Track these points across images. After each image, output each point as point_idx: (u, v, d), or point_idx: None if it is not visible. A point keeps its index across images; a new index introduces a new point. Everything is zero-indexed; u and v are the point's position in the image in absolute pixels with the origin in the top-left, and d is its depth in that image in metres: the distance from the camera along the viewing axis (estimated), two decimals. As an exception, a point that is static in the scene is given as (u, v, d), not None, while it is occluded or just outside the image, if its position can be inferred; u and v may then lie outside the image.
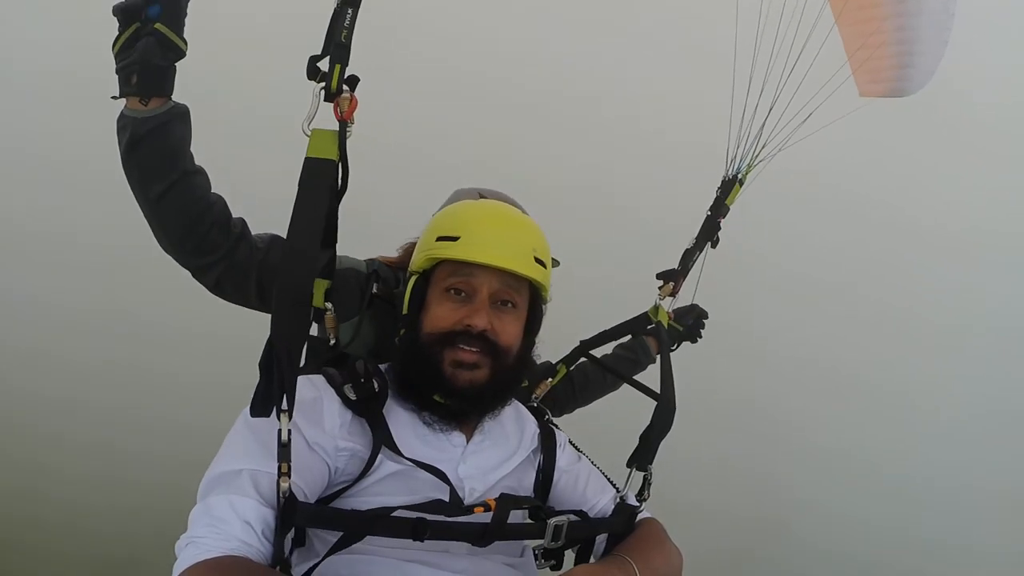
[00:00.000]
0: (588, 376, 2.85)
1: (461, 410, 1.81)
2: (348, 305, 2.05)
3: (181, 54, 1.77)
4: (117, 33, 1.72)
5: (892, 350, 6.10)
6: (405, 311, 1.86)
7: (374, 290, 2.11)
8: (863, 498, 6.18)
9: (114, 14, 1.72)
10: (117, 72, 1.74)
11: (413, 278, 1.87)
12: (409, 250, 2.31)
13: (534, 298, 1.91)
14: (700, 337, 3.08)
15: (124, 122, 1.75)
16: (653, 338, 2.92)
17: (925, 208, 5.97)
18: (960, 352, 6.19)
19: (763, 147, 2.31)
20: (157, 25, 1.70)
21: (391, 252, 2.37)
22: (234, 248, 1.94)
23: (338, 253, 2.22)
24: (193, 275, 1.99)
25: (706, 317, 3.06)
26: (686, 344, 3.02)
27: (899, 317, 6.12)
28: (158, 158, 1.77)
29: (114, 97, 1.75)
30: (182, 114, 1.81)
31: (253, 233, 2.02)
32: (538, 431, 2.08)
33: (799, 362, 6.05)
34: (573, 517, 1.81)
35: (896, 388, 6.16)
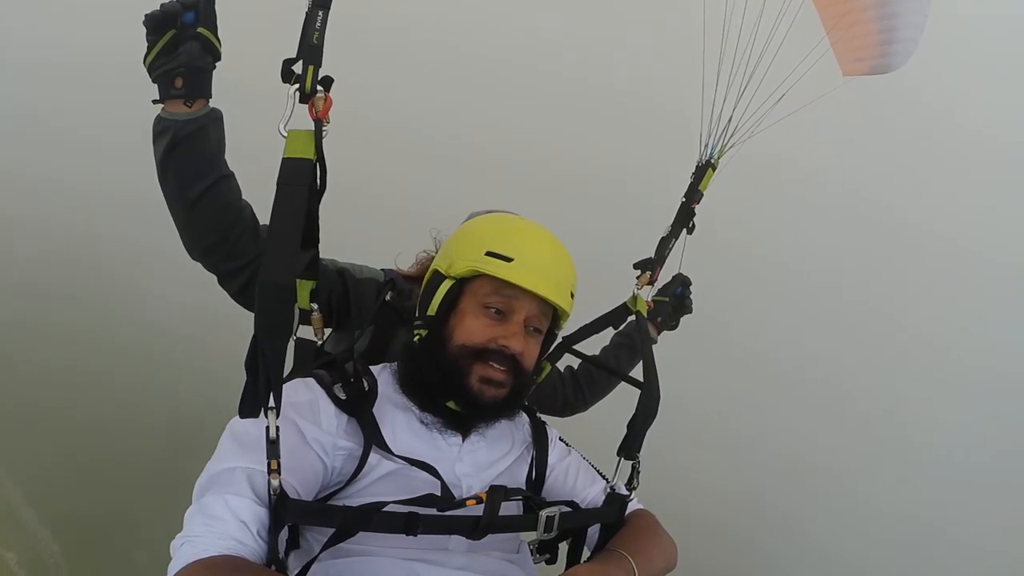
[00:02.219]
0: (592, 374, 2.87)
1: (472, 419, 1.86)
2: (367, 314, 2.13)
3: (219, 56, 1.84)
4: (150, 41, 1.76)
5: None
6: (432, 313, 1.86)
7: (387, 298, 2.15)
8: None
9: (146, 23, 1.75)
10: (157, 78, 1.78)
11: (448, 283, 1.86)
12: (425, 264, 2.34)
13: (551, 324, 1.97)
14: (690, 303, 3.03)
15: (164, 124, 1.79)
16: (651, 321, 2.91)
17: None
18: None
19: (734, 132, 2.30)
20: (200, 29, 1.77)
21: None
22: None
23: (358, 263, 2.30)
24: (219, 281, 2.02)
25: (689, 284, 3.03)
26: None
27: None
28: (197, 160, 1.83)
29: (155, 101, 1.80)
30: (218, 118, 1.88)
31: None
32: (530, 427, 2.11)
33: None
34: (564, 508, 1.85)
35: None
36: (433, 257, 2.16)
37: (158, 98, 1.81)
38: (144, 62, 1.80)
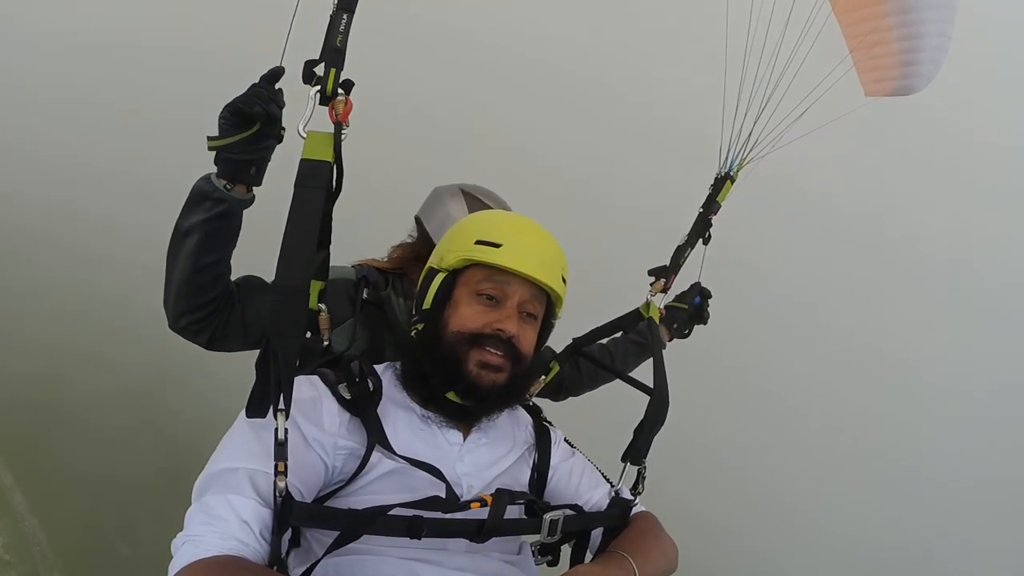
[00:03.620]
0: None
1: (474, 410, 1.86)
2: (339, 313, 2.17)
3: None
4: (232, 124, 1.81)
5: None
6: (428, 306, 1.89)
7: (364, 296, 2.20)
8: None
9: (234, 114, 1.80)
10: (235, 161, 1.86)
11: (441, 275, 1.89)
12: (401, 254, 2.44)
13: (547, 312, 1.98)
14: (707, 315, 2.98)
15: (220, 195, 1.89)
16: (665, 326, 2.90)
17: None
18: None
19: (754, 146, 2.31)
20: (283, 129, 1.87)
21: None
22: (226, 307, 2.11)
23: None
24: (190, 338, 2.10)
25: (709, 296, 2.98)
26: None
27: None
28: (227, 234, 1.97)
29: (227, 187, 1.89)
30: None
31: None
32: (532, 429, 2.11)
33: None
34: (568, 511, 1.85)
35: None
36: (410, 244, 2.37)
37: (227, 179, 1.89)
38: (214, 141, 1.85)
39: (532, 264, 1.83)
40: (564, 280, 1.94)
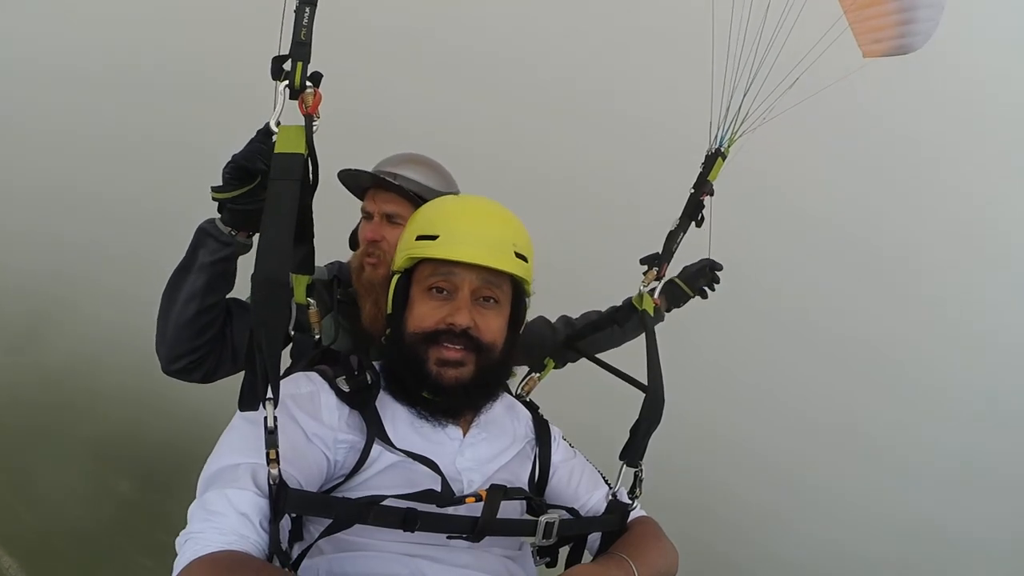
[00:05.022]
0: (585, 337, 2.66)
1: (450, 406, 1.84)
2: (321, 310, 2.16)
3: None
4: (236, 179, 1.88)
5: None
6: (389, 310, 1.87)
7: (339, 296, 2.25)
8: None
9: (235, 172, 1.87)
10: (239, 211, 1.96)
11: (396, 277, 1.87)
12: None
13: (517, 292, 1.92)
14: (714, 287, 2.80)
15: (226, 239, 2.02)
16: (663, 295, 2.68)
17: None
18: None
19: (745, 119, 2.21)
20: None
21: None
22: (221, 341, 2.19)
23: None
24: (182, 377, 2.17)
25: (719, 268, 2.77)
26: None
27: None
28: (228, 276, 2.09)
29: (232, 233, 2.02)
30: None
31: None
32: (532, 423, 2.08)
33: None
34: (564, 515, 1.82)
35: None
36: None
37: (232, 227, 2.00)
38: (218, 193, 1.93)
39: (471, 250, 1.77)
40: (520, 255, 1.84)
